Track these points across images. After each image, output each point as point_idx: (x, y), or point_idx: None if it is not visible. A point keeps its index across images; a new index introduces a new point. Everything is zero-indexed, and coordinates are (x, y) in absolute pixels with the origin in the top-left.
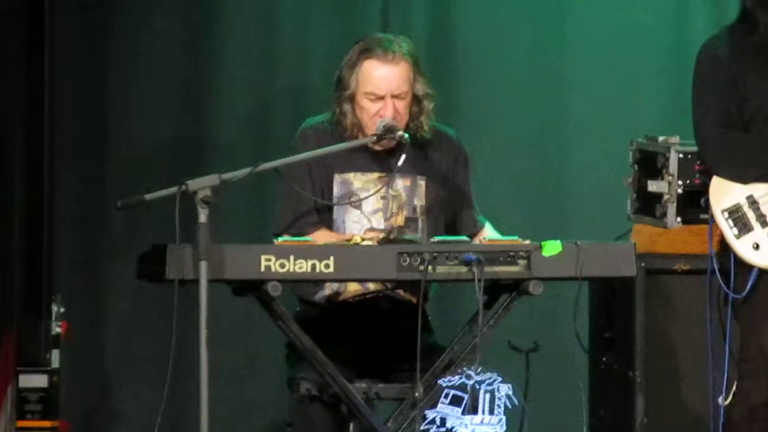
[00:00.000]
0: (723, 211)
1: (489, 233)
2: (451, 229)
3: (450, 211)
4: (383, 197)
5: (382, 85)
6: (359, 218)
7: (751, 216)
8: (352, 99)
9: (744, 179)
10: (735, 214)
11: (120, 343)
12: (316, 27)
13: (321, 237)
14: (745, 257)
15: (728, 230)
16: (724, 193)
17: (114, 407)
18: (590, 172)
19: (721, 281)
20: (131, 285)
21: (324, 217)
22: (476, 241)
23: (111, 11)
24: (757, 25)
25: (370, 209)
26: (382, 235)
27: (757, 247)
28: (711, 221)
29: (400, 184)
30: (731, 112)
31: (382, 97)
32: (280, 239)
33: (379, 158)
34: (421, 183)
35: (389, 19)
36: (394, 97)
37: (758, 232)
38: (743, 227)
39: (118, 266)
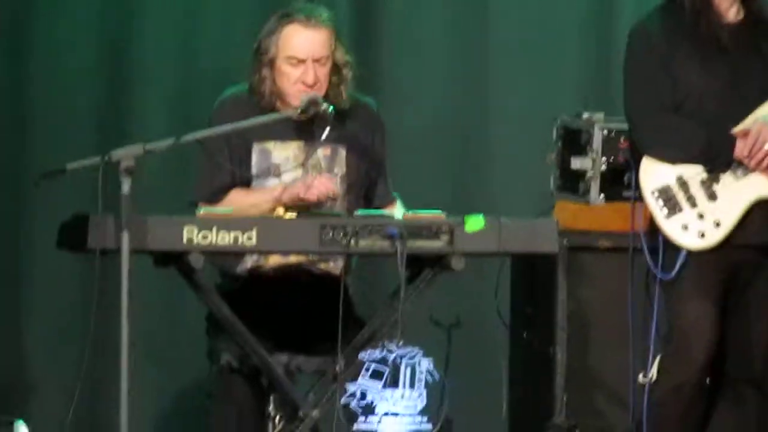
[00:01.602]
0: (653, 191)
1: (398, 209)
2: (365, 198)
3: (367, 181)
4: (303, 165)
5: (304, 49)
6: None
7: (681, 197)
8: (272, 64)
9: (675, 160)
10: (665, 194)
11: (39, 314)
12: (239, 5)
13: (235, 196)
14: (673, 238)
15: (658, 210)
16: (654, 173)
17: (32, 382)
18: (513, 148)
19: (649, 261)
20: (50, 255)
21: (243, 186)
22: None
23: None
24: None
25: (289, 178)
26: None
27: (685, 228)
28: (634, 199)
29: (321, 153)
30: (663, 93)
31: (303, 61)
32: (202, 210)
33: (298, 126)
34: (342, 152)
35: None
36: (315, 61)
37: (687, 213)
38: (672, 208)
39: (37, 237)
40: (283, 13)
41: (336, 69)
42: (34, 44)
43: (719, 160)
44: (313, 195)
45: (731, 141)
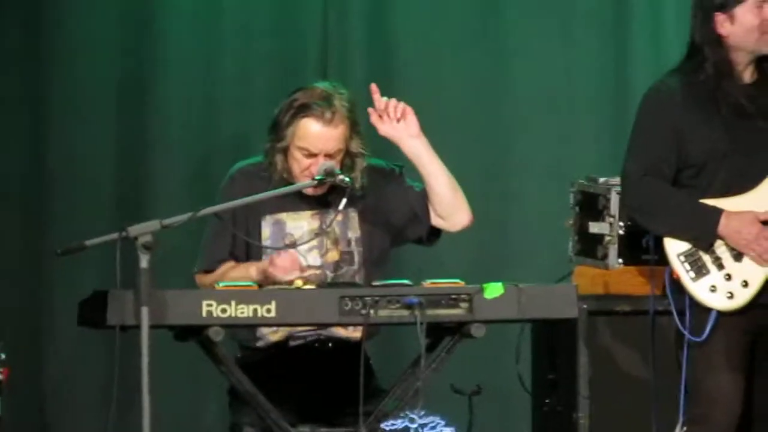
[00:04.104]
0: (679, 255)
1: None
2: (406, 233)
3: (395, 228)
4: (317, 234)
5: (318, 144)
6: None
7: (707, 259)
8: (285, 150)
9: (653, 230)
10: (691, 257)
11: (61, 390)
12: (256, 73)
13: (222, 270)
14: (702, 300)
15: (684, 273)
16: None
17: None
18: (532, 214)
19: (678, 323)
20: (72, 331)
21: (255, 259)
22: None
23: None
24: (704, 62)
25: (305, 247)
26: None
27: (714, 289)
28: (655, 262)
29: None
30: (661, 158)
31: (315, 155)
32: (221, 284)
33: (309, 196)
34: (353, 215)
35: (327, 64)
36: (326, 155)
37: (714, 275)
38: (699, 270)
39: (59, 312)
40: (301, 103)
41: (349, 156)
42: (53, 116)
43: (702, 240)
44: (276, 276)
45: (715, 218)
